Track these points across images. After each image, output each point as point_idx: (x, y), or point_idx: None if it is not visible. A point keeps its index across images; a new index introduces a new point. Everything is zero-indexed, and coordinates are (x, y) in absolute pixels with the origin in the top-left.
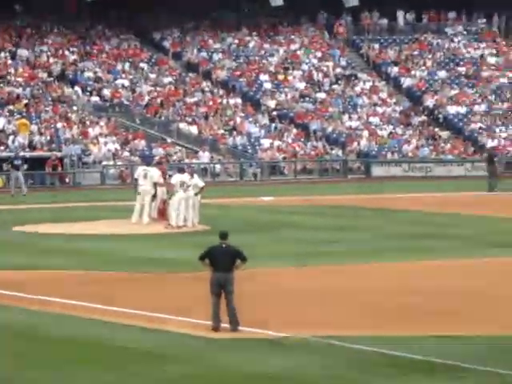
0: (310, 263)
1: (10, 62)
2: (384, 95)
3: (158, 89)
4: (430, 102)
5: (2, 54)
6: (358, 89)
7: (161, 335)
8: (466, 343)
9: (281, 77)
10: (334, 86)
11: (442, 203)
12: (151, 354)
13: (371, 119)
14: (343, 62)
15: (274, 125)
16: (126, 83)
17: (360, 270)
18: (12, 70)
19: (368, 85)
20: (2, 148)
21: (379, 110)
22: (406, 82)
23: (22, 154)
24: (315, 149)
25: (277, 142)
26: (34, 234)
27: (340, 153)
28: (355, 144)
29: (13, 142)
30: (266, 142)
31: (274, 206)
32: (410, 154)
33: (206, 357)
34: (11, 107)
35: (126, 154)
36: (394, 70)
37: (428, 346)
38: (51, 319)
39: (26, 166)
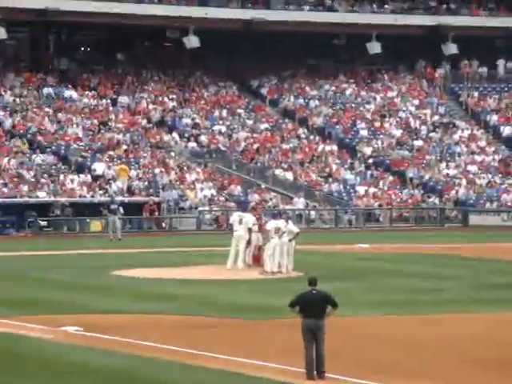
0: (405, 312)
1: (111, 108)
2: (483, 143)
3: (255, 135)
4: None
5: (104, 101)
6: (456, 137)
7: (249, 381)
8: None
9: (377, 124)
10: (432, 134)
11: None
12: None
13: (469, 167)
14: (441, 110)
15: (369, 172)
16: (223, 129)
17: (457, 319)
18: (113, 117)
19: (466, 133)
20: (102, 192)
21: (477, 158)
22: (506, 130)
23: (118, 198)
24: (411, 196)
25: (372, 189)
26: (131, 279)
27: (437, 201)
28: (453, 192)
29: (110, 186)
30: (361, 189)
31: (370, 254)
32: (509, 204)
33: None
34: (111, 153)
35: (222, 199)
36: (494, 119)
37: None
38: (141, 362)
39: (122, 211)
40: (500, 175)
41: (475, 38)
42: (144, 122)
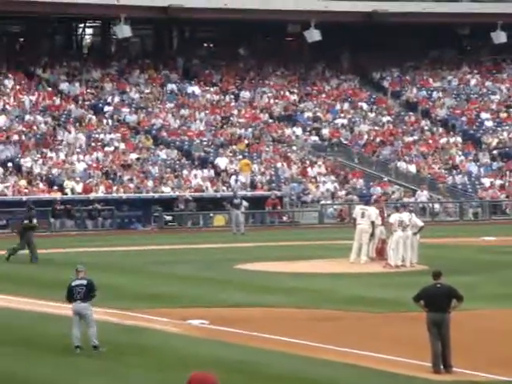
0: None
1: (233, 103)
2: None
3: (377, 128)
4: None
5: (227, 96)
6: None
7: (374, 374)
8: None
9: (503, 115)
10: None
11: None
12: None
13: None
14: None
15: (495, 163)
16: (345, 122)
17: None
18: (235, 112)
19: None
20: (225, 187)
21: None
22: None
23: (241, 193)
24: None
25: (498, 181)
26: (255, 272)
27: None
28: None
29: (235, 181)
30: (486, 181)
31: (496, 247)
32: None
33: None
34: (234, 147)
35: (344, 192)
36: None
37: None
38: (264, 355)
39: (246, 204)
40: None
41: None
42: (266, 116)
